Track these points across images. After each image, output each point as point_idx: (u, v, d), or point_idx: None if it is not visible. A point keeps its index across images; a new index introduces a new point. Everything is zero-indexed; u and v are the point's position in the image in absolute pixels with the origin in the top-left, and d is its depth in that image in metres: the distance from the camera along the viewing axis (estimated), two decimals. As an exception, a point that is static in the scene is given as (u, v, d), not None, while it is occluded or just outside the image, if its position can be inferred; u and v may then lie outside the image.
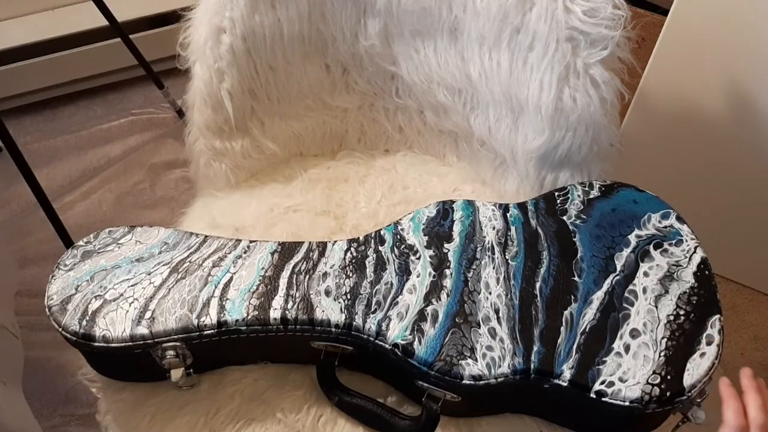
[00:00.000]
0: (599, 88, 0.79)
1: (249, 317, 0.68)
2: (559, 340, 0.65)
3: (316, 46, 0.93)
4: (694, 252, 0.71)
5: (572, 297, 0.68)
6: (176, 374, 0.70)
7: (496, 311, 0.68)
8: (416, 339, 0.66)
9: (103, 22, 1.44)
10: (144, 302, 0.69)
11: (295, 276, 0.72)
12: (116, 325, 0.67)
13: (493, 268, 0.71)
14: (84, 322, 0.68)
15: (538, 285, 0.70)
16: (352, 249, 0.74)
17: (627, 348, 0.64)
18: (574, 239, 0.73)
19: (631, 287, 0.68)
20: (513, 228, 0.75)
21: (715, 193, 1.23)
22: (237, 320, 0.68)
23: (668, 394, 0.61)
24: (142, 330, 0.67)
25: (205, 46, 0.87)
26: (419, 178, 0.97)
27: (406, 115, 1.00)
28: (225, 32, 0.86)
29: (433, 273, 0.71)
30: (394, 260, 0.73)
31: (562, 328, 0.66)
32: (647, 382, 0.62)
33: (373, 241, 0.75)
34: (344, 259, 0.73)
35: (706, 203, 1.25)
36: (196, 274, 0.72)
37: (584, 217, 0.75)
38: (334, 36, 0.92)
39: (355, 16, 0.90)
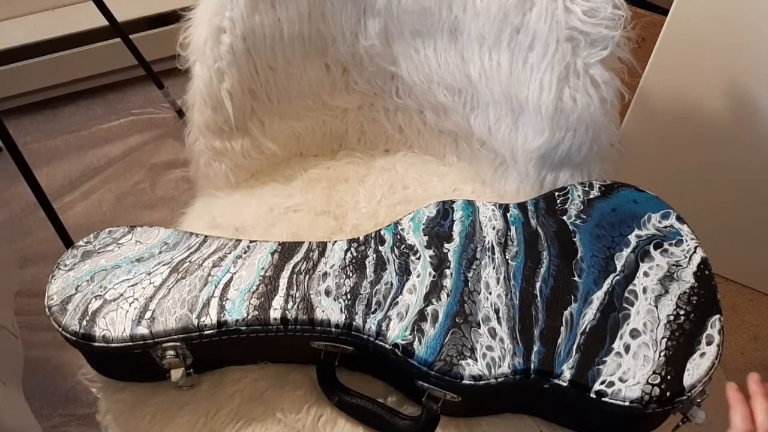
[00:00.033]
0: (599, 88, 0.79)
1: (249, 317, 0.68)
2: (559, 340, 0.65)
3: (316, 46, 0.93)
4: (694, 252, 0.71)
5: (572, 297, 0.68)
6: (176, 374, 0.70)
7: (496, 311, 0.68)
8: (416, 339, 0.66)
9: (103, 22, 1.44)
10: (144, 302, 0.69)
11: (295, 276, 0.72)
12: (116, 325, 0.67)
13: (493, 268, 0.71)
14: (84, 322, 0.68)
15: (538, 285, 0.70)
16: (352, 249, 0.74)
17: (627, 348, 0.64)
18: (574, 239, 0.73)
19: (631, 287, 0.68)
20: (513, 228, 0.75)
21: (715, 193, 1.23)
22: (237, 320, 0.68)
23: (668, 394, 0.61)
24: (142, 330, 0.67)
25: (205, 46, 0.87)
26: (419, 178, 0.97)
27: (406, 115, 1.00)
28: (225, 32, 0.86)
29: (433, 273, 0.71)
30: (394, 260, 0.73)
31: (562, 328, 0.66)
32: (647, 382, 0.62)
33: (373, 241, 0.75)
34: (344, 259, 0.73)
35: (706, 203, 1.25)
36: (196, 274, 0.72)
37: (584, 217, 0.75)
38: (334, 36, 0.92)
39: (355, 16, 0.90)
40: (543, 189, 0.87)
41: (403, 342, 0.66)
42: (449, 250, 0.73)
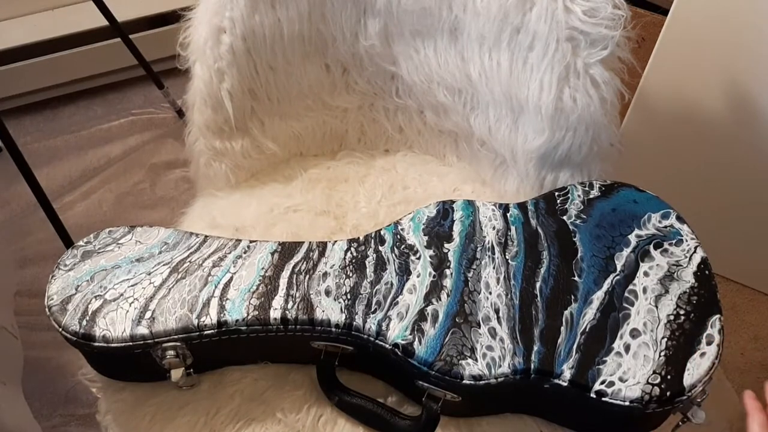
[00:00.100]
0: (599, 88, 0.79)
1: (249, 317, 0.68)
2: (559, 340, 0.65)
3: (316, 46, 0.93)
4: (694, 252, 0.71)
5: (572, 297, 0.68)
6: (176, 374, 0.70)
7: (496, 311, 0.68)
8: (416, 339, 0.66)
9: (103, 22, 1.44)
10: (144, 302, 0.69)
11: (295, 276, 0.72)
12: (116, 325, 0.67)
13: (494, 268, 0.71)
14: (84, 322, 0.68)
15: (538, 285, 0.70)
16: (352, 249, 0.74)
17: (627, 348, 0.64)
18: (574, 239, 0.73)
19: (631, 287, 0.68)
20: (513, 228, 0.75)
21: (715, 193, 1.23)
22: (237, 320, 0.68)
23: (668, 393, 0.61)
24: (142, 330, 0.67)
25: (205, 46, 0.87)
26: (419, 178, 0.97)
27: (406, 115, 1.00)
28: (225, 32, 0.86)
29: (433, 273, 0.71)
30: (394, 260, 0.73)
31: (562, 328, 0.66)
32: (647, 382, 0.62)
33: (373, 241, 0.75)
34: (344, 259, 0.73)
35: (706, 203, 1.25)
36: (196, 274, 0.72)
37: (584, 217, 0.75)
38: (334, 36, 0.92)
39: (355, 16, 0.90)
40: (543, 189, 0.87)
41: (403, 342, 0.66)
42: (449, 250, 0.73)
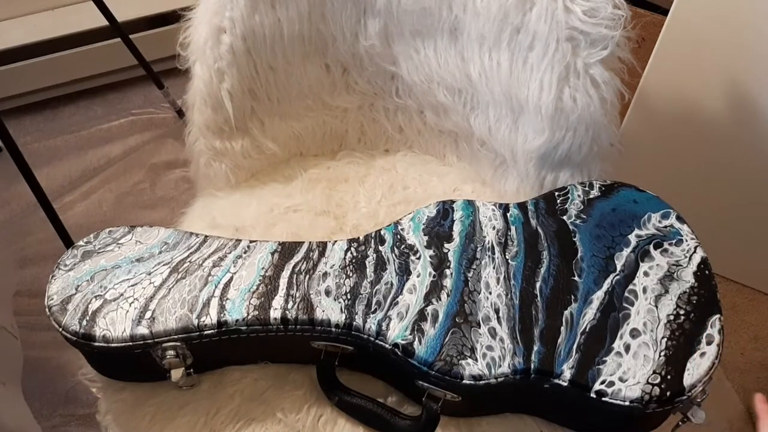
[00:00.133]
0: (599, 88, 0.79)
1: (249, 317, 0.68)
2: (559, 340, 0.65)
3: (316, 46, 0.93)
4: (694, 252, 0.71)
5: (572, 297, 0.68)
6: (176, 374, 0.70)
7: (497, 311, 0.68)
8: (416, 339, 0.66)
9: (103, 22, 1.44)
10: (144, 302, 0.69)
11: (295, 276, 0.72)
12: (116, 325, 0.67)
13: (494, 267, 0.71)
14: (84, 322, 0.68)
15: (538, 285, 0.70)
16: (352, 249, 0.74)
17: (627, 348, 0.64)
18: (574, 239, 0.73)
19: (631, 287, 0.68)
20: (513, 228, 0.75)
21: (715, 193, 1.23)
22: (237, 320, 0.68)
23: (668, 393, 0.61)
24: (143, 330, 0.67)
25: (205, 46, 0.87)
26: (419, 178, 0.97)
27: (406, 115, 1.00)
28: (225, 32, 0.86)
29: (433, 273, 0.71)
30: (394, 260, 0.73)
31: (562, 328, 0.66)
32: (647, 382, 0.62)
33: (373, 241, 0.75)
34: (344, 259, 0.73)
35: (706, 203, 1.25)
36: (196, 274, 0.72)
37: (584, 216, 0.75)
38: (334, 36, 0.92)
39: (355, 16, 0.90)
40: (543, 189, 0.87)
41: (403, 342, 0.66)
42: (449, 250, 0.73)
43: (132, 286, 0.71)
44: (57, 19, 1.65)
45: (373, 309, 0.69)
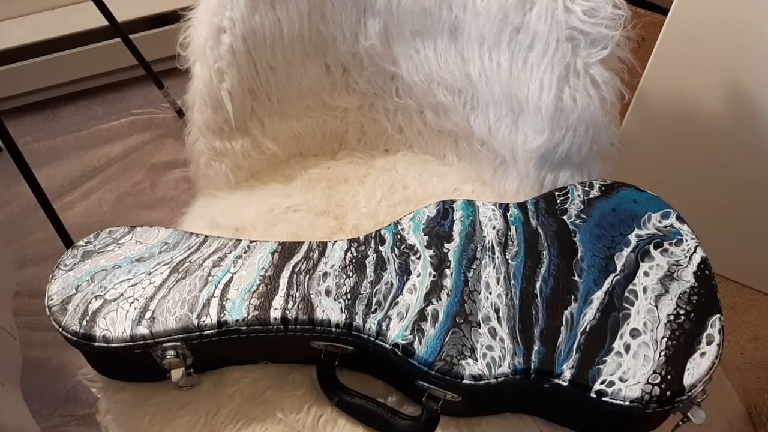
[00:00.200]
0: (599, 87, 0.79)
1: (249, 317, 0.68)
2: (560, 340, 0.65)
3: (316, 46, 0.93)
4: (694, 252, 0.71)
5: (572, 297, 0.68)
6: (176, 374, 0.70)
7: (497, 311, 0.68)
8: (416, 339, 0.66)
9: (103, 22, 1.44)
10: (144, 302, 0.69)
11: (295, 276, 0.72)
12: (116, 325, 0.67)
13: (494, 267, 0.71)
14: (84, 322, 0.68)
15: (538, 285, 0.70)
16: (353, 249, 0.74)
17: (627, 348, 0.64)
18: (575, 239, 0.73)
19: (631, 287, 0.68)
20: (513, 228, 0.75)
21: (715, 193, 1.23)
22: (237, 320, 0.68)
23: (668, 393, 0.61)
24: (143, 330, 0.67)
25: (205, 46, 0.87)
26: (419, 178, 0.97)
27: (406, 115, 1.00)
28: (225, 32, 0.86)
29: (433, 273, 0.71)
30: (394, 260, 0.73)
31: (563, 328, 0.66)
32: (647, 382, 0.62)
33: (373, 240, 0.75)
34: (344, 259, 0.73)
35: (706, 203, 1.25)
36: (196, 274, 0.72)
37: (584, 216, 0.75)
38: (334, 36, 0.92)
39: (355, 16, 0.90)
40: (543, 189, 0.87)
41: (403, 342, 0.66)
42: (449, 250, 0.73)
43: (132, 286, 0.71)
44: (57, 19, 1.65)
45: (373, 309, 0.69)
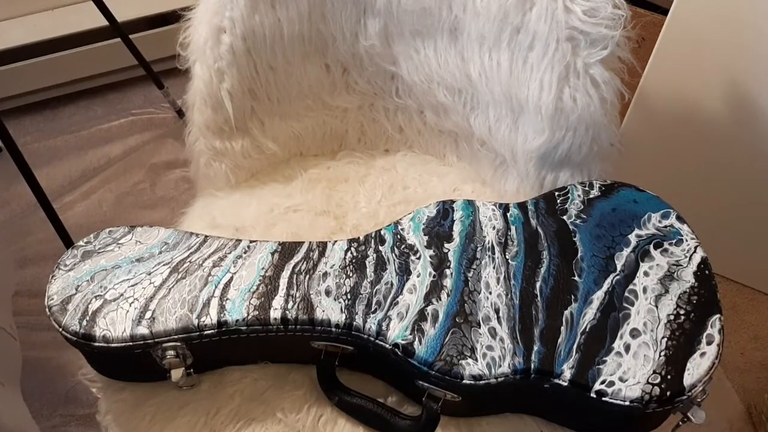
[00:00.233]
0: (599, 87, 0.79)
1: (249, 317, 0.68)
2: (560, 340, 0.65)
3: (316, 46, 0.93)
4: (694, 252, 0.71)
5: (572, 297, 0.68)
6: (176, 374, 0.70)
7: (497, 311, 0.68)
8: (416, 339, 0.66)
9: (103, 22, 1.44)
10: (144, 302, 0.69)
11: (295, 276, 0.72)
12: (116, 325, 0.67)
13: (494, 267, 0.71)
14: (84, 322, 0.68)
15: (538, 285, 0.70)
16: (353, 249, 0.74)
17: (627, 348, 0.64)
18: (575, 239, 0.73)
19: (631, 287, 0.68)
20: (513, 228, 0.75)
21: (715, 193, 1.23)
22: (237, 320, 0.68)
23: (668, 393, 0.61)
24: (143, 330, 0.67)
25: (205, 46, 0.87)
26: (419, 178, 0.97)
27: (406, 115, 1.00)
28: (225, 32, 0.86)
29: (433, 273, 0.71)
30: (394, 260, 0.73)
31: (563, 328, 0.66)
32: (647, 382, 0.62)
33: (373, 240, 0.75)
34: (344, 259, 0.73)
35: (706, 203, 1.25)
36: (196, 274, 0.72)
37: (584, 216, 0.75)
38: (334, 36, 0.92)
39: (355, 16, 0.90)
40: (543, 189, 0.87)
41: (403, 342, 0.66)
42: (449, 250, 0.73)
43: (132, 286, 0.71)
44: (57, 19, 1.65)
45: (373, 309, 0.69)
